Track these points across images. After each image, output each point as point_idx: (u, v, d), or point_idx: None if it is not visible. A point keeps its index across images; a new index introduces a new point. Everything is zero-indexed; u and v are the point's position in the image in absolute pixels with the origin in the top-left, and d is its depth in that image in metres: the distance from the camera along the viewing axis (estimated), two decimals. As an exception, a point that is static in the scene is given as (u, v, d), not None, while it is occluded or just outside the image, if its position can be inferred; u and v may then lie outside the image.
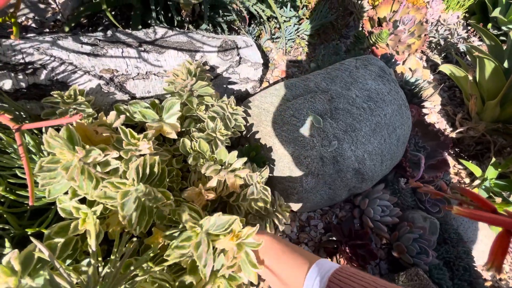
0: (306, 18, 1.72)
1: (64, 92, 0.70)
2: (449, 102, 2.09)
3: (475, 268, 1.33)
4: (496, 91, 1.66)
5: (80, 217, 0.56)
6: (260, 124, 1.04)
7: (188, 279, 0.64)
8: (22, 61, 0.72)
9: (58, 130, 0.57)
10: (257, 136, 1.04)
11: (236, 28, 1.52)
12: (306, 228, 1.17)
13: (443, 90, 2.19)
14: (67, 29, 1.06)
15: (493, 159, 1.48)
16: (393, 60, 1.74)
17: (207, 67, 0.92)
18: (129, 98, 0.88)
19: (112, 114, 0.68)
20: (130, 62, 0.86)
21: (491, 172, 1.48)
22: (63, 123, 0.47)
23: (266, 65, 1.59)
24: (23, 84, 0.73)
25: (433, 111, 1.95)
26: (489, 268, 0.42)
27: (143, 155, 0.62)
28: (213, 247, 0.66)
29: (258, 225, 0.75)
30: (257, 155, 1.02)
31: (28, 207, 0.68)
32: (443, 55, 2.35)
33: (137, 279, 0.58)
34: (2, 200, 0.63)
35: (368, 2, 1.99)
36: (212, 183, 0.73)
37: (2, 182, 0.60)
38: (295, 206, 1.12)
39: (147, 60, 0.89)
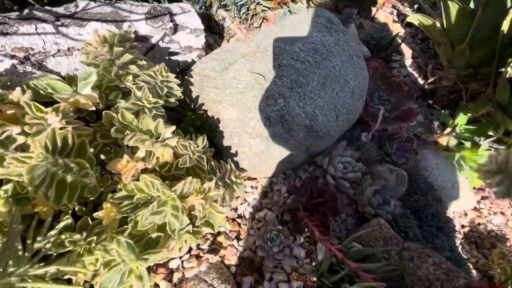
0: (259, -20, 1.62)
1: (-33, 74, 0.67)
2: (421, 54, 2.03)
3: (446, 214, 1.33)
4: (464, 35, 1.59)
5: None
6: (203, 91, 1.00)
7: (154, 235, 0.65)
8: None
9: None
10: (201, 103, 1.01)
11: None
12: (269, 194, 1.16)
13: (416, 43, 2.11)
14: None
15: (461, 104, 1.44)
16: (355, 15, 1.66)
17: (132, 36, 0.87)
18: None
19: (17, 90, 0.64)
20: (47, 39, 0.81)
21: (461, 118, 1.45)
22: None
23: (220, 35, 1.52)
24: None
25: (404, 65, 1.89)
26: None
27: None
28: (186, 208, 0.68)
29: (214, 179, 0.74)
30: (203, 124, 0.99)
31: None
32: (415, 7, 2.25)
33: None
34: None
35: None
36: (140, 153, 0.71)
37: None
38: (253, 173, 1.11)
39: (67, 35, 0.84)
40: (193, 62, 1.17)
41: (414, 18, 1.87)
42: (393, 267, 0.84)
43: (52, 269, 0.58)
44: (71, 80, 0.74)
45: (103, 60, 0.74)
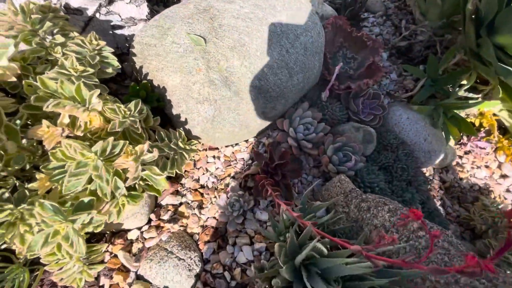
0: None
1: None
2: (397, 12, 1.93)
3: (418, 168, 1.30)
4: (434, -17, 1.51)
5: None
6: (145, 60, 0.97)
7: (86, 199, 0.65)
8: None
9: None
10: (145, 73, 0.98)
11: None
12: (232, 163, 1.14)
13: (391, 0, 2.01)
14: None
15: (431, 56, 1.37)
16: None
17: (58, 6, 0.84)
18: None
19: None
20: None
21: (432, 70, 1.39)
22: None
23: (164, 2, 1.47)
24: None
25: (377, 23, 1.81)
26: None
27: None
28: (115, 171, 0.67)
29: (148, 142, 0.73)
30: (149, 94, 0.97)
31: None
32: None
33: None
34: None
35: None
36: (64, 119, 0.69)
37: None
38: (209, 140, 1.09)
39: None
40: (141, 35, 1.14)
41: (384, -28, 1.77)
42: (340, 216, 0.82)
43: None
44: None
45: (22, 30, 0.72)
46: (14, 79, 0.69)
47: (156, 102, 0.97)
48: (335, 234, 0.87)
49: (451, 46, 1.58)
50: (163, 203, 1.03)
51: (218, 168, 1.13)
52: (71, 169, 0.60)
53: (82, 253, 0.62)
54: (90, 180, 0.67)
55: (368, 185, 1.07)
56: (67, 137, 0.70)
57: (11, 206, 0.65)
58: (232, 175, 1.12)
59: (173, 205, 1.04)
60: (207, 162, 1.13)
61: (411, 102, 1.42)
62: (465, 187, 1.53)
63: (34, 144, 0.72)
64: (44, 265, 0.72)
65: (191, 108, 0.96)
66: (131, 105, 0.78)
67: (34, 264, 0.81)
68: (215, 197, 1.06)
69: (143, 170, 0.73)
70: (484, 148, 1.58)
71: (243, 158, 1.16)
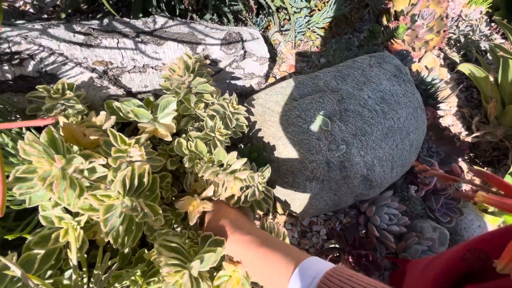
0: (318, 9, 1.61)
1: (52, 86, 0.65)
2: (465, 103, 1.98)
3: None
4: (519, 94, 1.55)
5: (62, 227, 0.52)
6: (264, 123, 0.97)
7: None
8: (8, 50, 0.67)
9: (41, 130, 0.52)
10: (260, 136, 0.98)
11: (243, 19, 1.44)
12: (307, 234, 1.12)
13: (460, 90, 2.07)
14: (63, 15, 1.01)
15: (507, 167, 1.39)
16: (409, 57, 1.63)
17: (208, 62, 0.86)
18: (124, 92, 0.82)
19: (102, 114, 0.62)
20: (126, 54, 0.80)
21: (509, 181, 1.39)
22: (39, 124, 0.42)
23: (273, 59, 1.51)
24: (9, 76, 0.68)
25: (449, 113, 1.85)
26: (501, 269, 0.36)
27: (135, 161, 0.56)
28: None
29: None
30: (259, 157, 0.96)
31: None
32: (462, 53, 2.22)
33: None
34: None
35: (385, -7, 1.87)
36: (209, 192, 0.68)
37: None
38: (297, 210, 1.07)
39: (144, 52, 0.83)
40: (251, 87, 1.15)
41: (466, 67, 1.84)
42: None
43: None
44: (148, 103, 0.73)
45: (184, 89, 0.73)
46: (170, 138, 0.68)
47: (263, 166, 0.96)
48: None
49: (523, 158, 1.61)
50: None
51: (294, 237, 1.10)
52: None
53: None
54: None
55: (443, 296, 1.04)
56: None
57: (139, 272, 0.62)
58: (306, 248, 1.09)
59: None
60: (286, 229, 1.11)
61: (480, 207, 1.41)
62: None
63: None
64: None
65: (298, 183, 0.95)
66: (266, 172, 0.78)
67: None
68: (288, 269, 1.03)
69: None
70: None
71: (318, 231, 1.14)
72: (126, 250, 0.67)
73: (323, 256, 1.08)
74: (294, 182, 0.95)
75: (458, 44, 2.19)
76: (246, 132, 1.02)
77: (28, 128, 0.59)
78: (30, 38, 0.69)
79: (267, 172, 0.77)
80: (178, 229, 0.73)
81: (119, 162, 0.55)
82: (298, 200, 0.98)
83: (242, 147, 1.00)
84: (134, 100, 0.67)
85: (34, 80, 0.71)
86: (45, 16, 1.16)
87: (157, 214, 0.55)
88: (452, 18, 2.21)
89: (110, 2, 1.24)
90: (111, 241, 0.54)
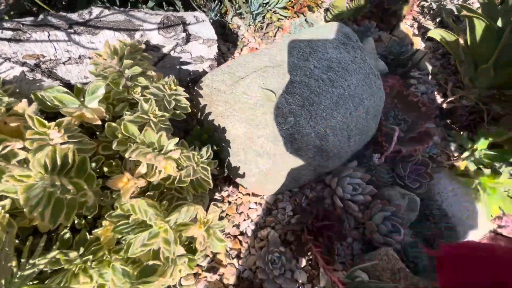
0: (276, -11, 1.59)
1: (-23, 82, 0.66)
2: (442, 71, 1.94)
3: (460, 244, 1.26)
4: (489, 54, 1.51)
5: (-19, 212, 0.54)
6: (212, 104, 0.97)
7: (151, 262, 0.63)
8: None
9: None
10: (210, 118, 0.99)
11: (200, 6, 1.43)
12: (273, 211, 1.13)
13: (436, 58, 2.03)
14: (6, 18, 1.01)
15: (482, 128, 1.36)
16: (373, 28, 1.61)
17: (143, 46, 0.86)
18: (61, 84, 0.83)
19: (23, 102, 0.63)
20: (59, 46, 0.81)
21: (481, 142, 1.37)
22: None
23: (234, 43, 1.50)
24: None
25: (423, 81, 1.81)
26: None
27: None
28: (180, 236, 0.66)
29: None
30: (211, 138, 0.97)
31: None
32: (438, 20, 2.17)
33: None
34: None
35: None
36: (141, 169, 0.69)
37: None
38: (258, 190, 1.07)
39: (79, 43, 0.84)
40: (204, 72, 1.15)
41: (436, 33, 1.79)
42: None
43: (45, 288, 0.57)
44: (79, 91, 0.73)
45: (112, 72, 0.73)
46: (99, 122, 0.69)
47: (215, 146, 0.96)
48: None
49: (499, 119, 1.57)
50: (202, 246, 1.01)
51: (259, 215, 1.11)
52: (144, 240, 0.59)
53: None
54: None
55: (412, 260, 1.04)
56: (141, 188, 0.70)
57: (75, 254, 0.63)
58: (272, 225, 1.10)
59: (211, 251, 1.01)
60: (249, 208, 1.11)
61: (455, 171, 1.40)
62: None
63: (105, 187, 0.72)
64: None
65: (250, 159, 0.95)
66: (204, 152, 0.78)
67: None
68: (253, 247, 1.04)
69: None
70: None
71: (284, 208, 1.14)
72: (68, 235, 0.69)
73: (289, 231, 1.08)
74: (246, 159, 0.96)
75: (431, 12, 2.14)
76: (196, 114, 1.03)
77: None
78: (-45, 37, 0.71)
79: (205, 151, 0.78)
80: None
81: (36, 144, 0.56)
82: (252, 177, 0.98)
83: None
84: (58, 87, 0.68)
85: (-37, 78, 0.72)
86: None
87: (81, 190, 0.56)
88: (422, -15, 2.16)
89: (63, 2, 1.24)
90: (39, 220, 0.55)
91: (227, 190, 1.14)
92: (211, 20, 1.42)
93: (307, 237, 0.97)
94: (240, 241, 1.05)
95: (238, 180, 1.03)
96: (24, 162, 0.59)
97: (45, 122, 0.59)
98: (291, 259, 1.01)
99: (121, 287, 0.56)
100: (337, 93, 0.97)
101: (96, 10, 0.91)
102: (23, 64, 0.76)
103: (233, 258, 1.00)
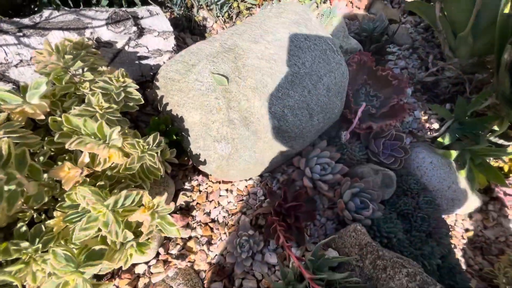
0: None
1: None
2: (424, 44, 1.88)
3: (442, 217, 1.23)
4: (467, 21, 1.45)
5: None
6: (167, 94, 0.98)
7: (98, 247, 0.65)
8: None
9: None
10: (168, 108, 1.00)
11: (163, 1, 1.44)
12: (244, 197, 1.13)
13: (418, 32, 1.96)
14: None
15: (459, 98, 1.31)
16: (345, 6, 1.57)
17: (90, 43, 0.87)
18: (15, 87, 0.86)
19: (-36, 102, 0.66)
20: (9, 50, 0.84)
21: (460, 112, 1.32)
22: None
23: (202, 35, 1.50)
24: None
25: (402, 56, 1.76)
26: None
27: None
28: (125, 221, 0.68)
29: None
30: (168, 128, 0.98)
31: None
32: (419, -7, 2.09)
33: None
34: None
35: None
36: (84, 158, 0.71)
37: None
38: (223, 176, 1.08)
39: (29, 46, 0.86)
40: (166, 65, 1.16)
41: (413, 6, 1.74)
42: (356, 278, 0.77)
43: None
44: (24, 89, 0.76)
45: (54, 69, 0.75)
46: (43, 117, 0.71)
47: (175, 136, 0.98)
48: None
49: (482, 87, 1.51)
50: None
51: (230, 202, 1.11)
52: (82, 224, 0.60)
53: (90, 300, 0.62)
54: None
55: (385, 235, 1.02)
56: (87, 176, 0.72)
57: (26, 244, 0.66)
58: (243, 210, 1.10)
59: (182, 238, 1.03)
60: (220, 196, 1.12)
61: (436, 144, 1.36)
62: (489, 238, 1.43)
63: (54, 179, 0.74)
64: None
65: (208, 145, 0.95)
66: (150, 139, 0.79)
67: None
68: (224, 233, 1.05)
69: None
70: (513, 196, 1.48)
71: (255, 193, 1.14)
72: (24, 228, 0.72)
73: (260, 215, 1.09)
74: (205, 145, 0.96)
75: (411, -15, 2.06)
76: (159, 108, 1.04)
77: None
78: None
79: (151, 139, 0.79)
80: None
81: (-28, 141, 0.59)
82: (213, 163, 0.98)
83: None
84: (1, 87, 0.70)
85: None
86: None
87: (13, 179, 0.58)
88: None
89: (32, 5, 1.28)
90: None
91: (197, 180, 1.15)
92: (177, 14, 1.44)
93: (273, 218, 0.96)
94: (212, 228, 1.06)
95: (201, 167, 1.04)
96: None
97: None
98: (260, 242, 1.01)
99: (63, 271, 0.58)
100: (292, 72, 0.96)
101: (46, 13, 0.93)
102: (-27, 69, 0.79)
103: (203, 245, 1.01)
